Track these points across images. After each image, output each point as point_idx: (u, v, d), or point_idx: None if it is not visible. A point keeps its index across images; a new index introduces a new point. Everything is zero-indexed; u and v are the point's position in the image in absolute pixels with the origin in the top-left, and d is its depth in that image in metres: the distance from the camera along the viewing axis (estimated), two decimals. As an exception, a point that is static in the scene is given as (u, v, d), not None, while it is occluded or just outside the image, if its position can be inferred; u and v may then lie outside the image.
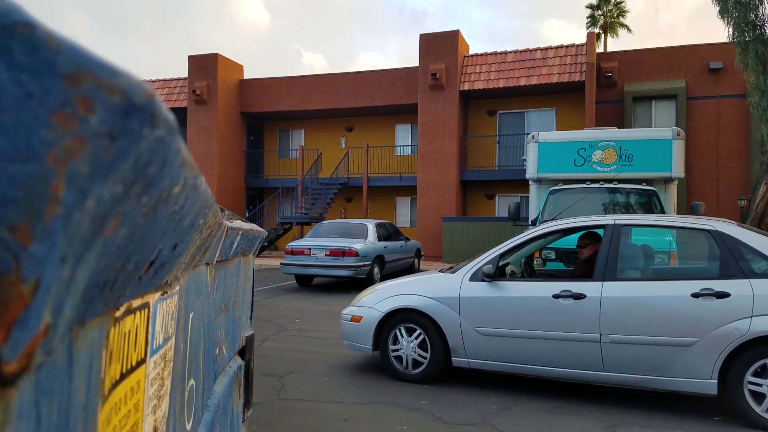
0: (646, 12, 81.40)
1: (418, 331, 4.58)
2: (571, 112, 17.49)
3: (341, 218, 18.36)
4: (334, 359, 5.33)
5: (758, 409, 3.52)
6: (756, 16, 10.84)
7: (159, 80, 21.45)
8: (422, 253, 14.75)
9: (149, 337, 0.85)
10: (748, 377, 3.56)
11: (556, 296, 4.05)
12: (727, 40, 11.55)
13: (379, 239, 11.25)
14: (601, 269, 4.04)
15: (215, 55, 19.81)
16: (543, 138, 10.61)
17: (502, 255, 4.46)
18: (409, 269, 13.18)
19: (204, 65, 19.85)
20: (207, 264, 1.44)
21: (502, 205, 18.09)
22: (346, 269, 10.26)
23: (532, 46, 19.98)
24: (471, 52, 18.36)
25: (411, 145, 19.68)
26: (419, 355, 4.57)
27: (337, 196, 19.21)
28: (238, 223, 1.76)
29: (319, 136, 21.11)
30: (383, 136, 20.14)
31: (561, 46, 17.15)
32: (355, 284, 10.89)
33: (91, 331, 0.53)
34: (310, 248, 10.61)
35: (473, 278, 4.40)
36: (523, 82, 16.87)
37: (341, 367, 5.08)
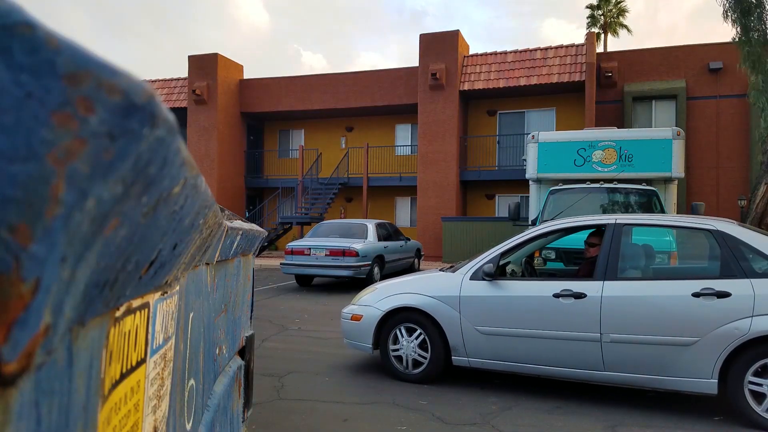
0: (645, 12, 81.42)
1: (418, 331, 4.58)
2: (571, 112, 17.49)
3: (341, 218, 18.36)
4: (334, 359, 5.33)
5: (758, 409, 3.52)
6: (759, 16, 10.79)
7: (159, 80, 21.45)
8: (422, 253, 14.76)
9: (149, 337, 0.85)
10: (749, 377, 3.56)
11: (556, 295, 4.05)
12: (732, 40, 11.49)
13: (379, 239, 11.25)
14: (602, 268, 4.04)
15: (215, 55, 19.81)
16: (543, 138, 10.61)
17: (503, 254, 4.46)
18: (409, 269, 13.17)
19: (204, 65, 19.85)
20: (207, 264, 1.44)
21: (502, 205, 18.09)
22: (346, 269, 10.26)
23: (532, 46, 19.99)
24: (471, 52, 18.36)
25: (411, 145, 19.69)
26: (419, 355, 4.57)
27: (337, 196, 19.21)
28: (238, 223, 1.76)
29: (319, 136, 21.11)
30: (383, 136, 20.14)
31: (561, 46, 17.15)
32: (355, 284, 10.89)
33: (91, 331, 0.53)
34: (310, 248, 10.61)
35: (474, 277, 4.40)
36: (523, 82, 16.87)
37: (341, 367, 5.08)
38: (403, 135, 20.13)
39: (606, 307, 3.91)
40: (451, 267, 4.84)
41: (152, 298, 0.84)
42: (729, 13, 11.06)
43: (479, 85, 17.38)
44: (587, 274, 4.42)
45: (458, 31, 17.59)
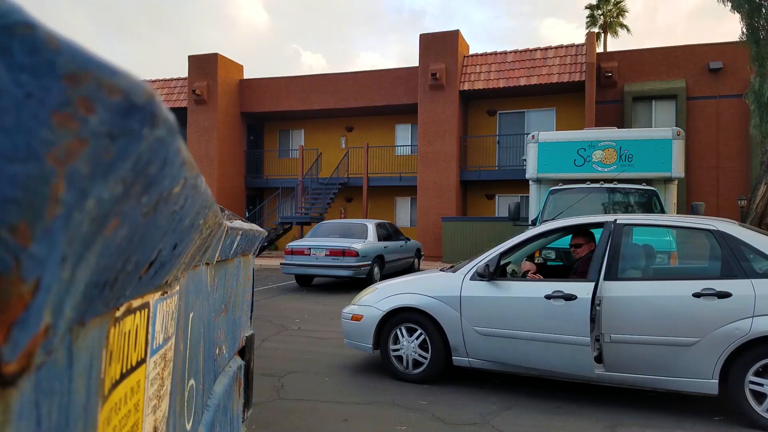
0: (644, 11, 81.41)
1: (418, 331, 4.58)
2: (571, 112, 17.49)
3: (341, 218, 18.36)
4: (334, 359, 5.33)
5: (759, 409, 3.52)
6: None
7: (159, 80, 21.45)
8: (422, 253, 14.75)
9: (149, 337, 0.85)
10: (750, 377, 3.56)
11: (548, 297, 4.05)
12: (739, 39, 11.41)
13: (379, 239, 11.25)
14: (596, 269, 4.01)
15: (215, 55, 19.81)
16: (543, 138, 10.61)
17: (502, 254, 4.45)
18: (409, 269, 13.17)
19: (204, 65, 19.85)
20: (207, 264, 1.44)
21: (502, 205, 18.08)
22: (346, 269, 10.26)
23: (531, 46, 20.00)
24: (471, 52, 18.36)
25: (411, 145, 19.68)
26: (420, 355, 4.57)
27: (337, 196, 19.21)
28: (238, 223, 1.76)
29: (319, 136, 21.11)
30: (383, 136, 20.14)
31: (561, 46, 17.15)
32: (355, 284, 10.89)
33: (91, 331, 0.53)
34: (310, 248, 10.61)
35: (474, 277, 4.40)
36: (523, 82, 16.87)
37: (341, 367, 5.08)
38: (403, 135, 20.13)
39: (606, 307, 3.90)
40: (451, 267, 4.84)
41: (152, 298, 0.84)
42: (736, 11, 10.98)
43: (479, 85, 17.38)
44: (585, 273, 4.41)
45: (458, 31, 17.59)
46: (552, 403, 4.06)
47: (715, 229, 3.92)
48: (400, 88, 18.69)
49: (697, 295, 3.70)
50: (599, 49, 25.49)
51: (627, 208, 8.56)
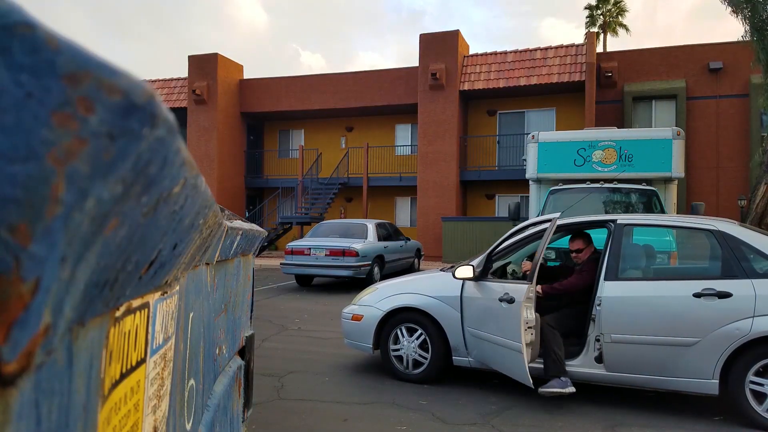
0: (643, 11, 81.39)
1: (419, 332, 4.58)
2: (571, 112, 17.49)
3: (341, 218, 18.36)
4: (334, 359, 5.33)
5: (759, 409, 3.52)
6: None
7: (159, 80, 21.45)
8: (422, 253, 14.75)
9: (149, 337, 0.85)
10: (750, 377, 3.55)
11: (500, 299, 4.07)
12: (742, 38, 11.37)
13: (379, 239, 11.25)
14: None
15: (215, 55, 19.81)
16: (543, 138, 10.60)
17: (491, 254, 4.44)
18: (409, 269, 13.17)
19: (204, 65, 19.85)
20: (207, 264, 1.44)
21: (502, 205, 18.08)
22: (346, 269, 10.26)
23: (531, 46, 20.00)
24: (471, 52, 18.36)
25: (411, 145, 19.68)
26: (420, 355, 4.57)
27: (337, 196, 19.21)
28: (238, 223, 1.76)
29: (319, 136, 21.11)
30: (383, 136, 20.13)
31: (561, 46, 17.15)
32: (355, 284, 10.89)
33: (91, 331, 0.53)
34: (310, 248, 10.61)
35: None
36: (523, 82, 16.87)
37: (341, 367, 5.08)
38: (403, 135, 20.13)
39: (606, 307, 3.90)
40: (451, 267, 4.84)
41: (152, 298, 0.84)
42: (737, 12, 10.92)
43: (479, 85, 17.38)
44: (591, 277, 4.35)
45: (458, 31, 17.59)
46: (552, 402, 4.06)
47: (715, 229, 3.92)
48: (400, 88, 18.69)
49: (697, 295, 3.70)
50: (599, 49, 25.47)
51: (627, 208, 8.56)
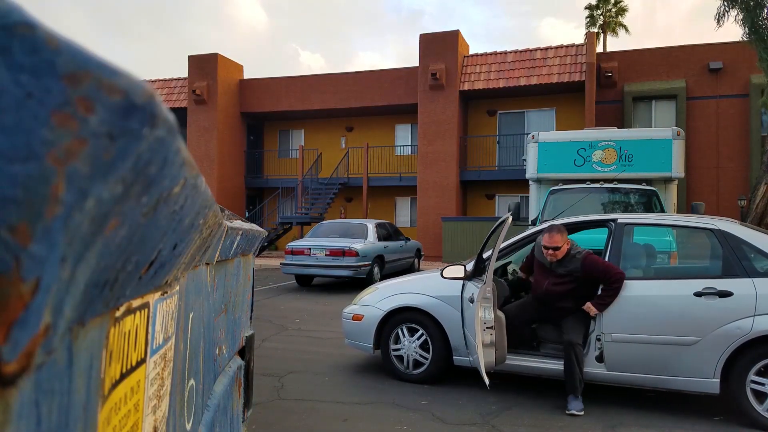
0: (643, 12, 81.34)
1: (420, 332, 4.58)
2: (571, 112, 17.49)
3: (341, 218, 18.36)
4: (334, 359, 5.33)
5: (760, 409, 3.52)
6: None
7: (159, 80, 21.45)
8: (422, 253, 14.75)
9: (149, 337, 0.85)
10: (751, 376, 3.55)
11: (471, 300, 4.10)
12: (742, 38, 11.34)
13: (379, 239, 11.25)
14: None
15: (215, 55, 19.80)
16: (543, 138, 10.60)
17: (481, 255, 4.41)
18: (409, 269, 13.17)
19: (204, 65, 19.85)
20: (207, 264, 1.44)
21: (502, 205, 18.09)
22: (346, 269, 10.26)
23: (531, 46, 20.00)
24: (471, 52, 18.36)
25: (411, 145, 19.68)
26: (420, 355, 4.57)
27: (337, 196, 19.21)
28: (238, 223, 1.76)
29: (319, 136, 21.11)
30: (383, 136, 20.13)
31: (561, 46, 17.15)
32: (355, 284, 10.89)
33: (91, 331, 0.53)
34: (310, 248, 10.61)
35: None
36: (523, 82, 16.87)
37: (341, 367, 5.08)
38: (403, 135, 20.13)
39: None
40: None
41: (152, 298, 0.84)
42: (732, 13, 10.91)
43: (479, 85, 17.38)
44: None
45: (458, 31, 17.59)
46: (552, 403, 4.06)
47: (716, 228, 3.92)
48: (400, 88, 18.69)
49: (698, 294, 3.70)
50: (599, 49, 25.47)
51: (627, 208, 8.56)
